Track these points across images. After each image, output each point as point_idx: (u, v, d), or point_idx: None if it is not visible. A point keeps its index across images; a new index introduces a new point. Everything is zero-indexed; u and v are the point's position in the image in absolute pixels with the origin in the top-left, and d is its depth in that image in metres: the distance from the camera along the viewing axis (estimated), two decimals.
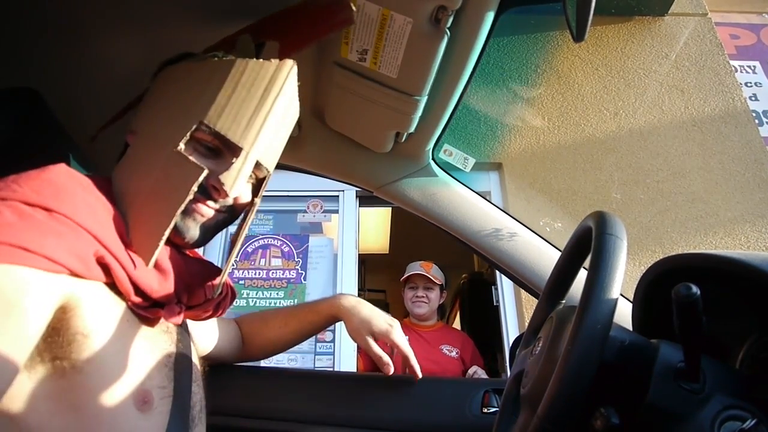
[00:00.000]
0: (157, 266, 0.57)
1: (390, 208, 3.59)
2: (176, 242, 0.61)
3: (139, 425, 0.52)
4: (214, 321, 0.91)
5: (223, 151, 0.60)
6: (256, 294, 2.53)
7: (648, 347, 0.49)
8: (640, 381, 0.46)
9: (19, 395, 0.45)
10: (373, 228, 4.27)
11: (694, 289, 0.40)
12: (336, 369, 2.37)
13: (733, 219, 2.51)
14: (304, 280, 2.58)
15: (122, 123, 0.89)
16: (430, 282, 2.28)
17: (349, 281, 2.58)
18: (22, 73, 0.85)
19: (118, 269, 0.51)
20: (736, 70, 3.10)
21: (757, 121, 2.91)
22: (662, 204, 2.55)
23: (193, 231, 0.61)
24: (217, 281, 0.68)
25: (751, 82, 3.21)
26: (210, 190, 0.60)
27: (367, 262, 4.24)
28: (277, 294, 2.54)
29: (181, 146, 0.57)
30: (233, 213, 0.66)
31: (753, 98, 3.12)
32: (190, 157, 0.57)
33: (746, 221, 2.51)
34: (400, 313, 2.43)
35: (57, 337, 0.47)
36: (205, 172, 0.56)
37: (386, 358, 0.86)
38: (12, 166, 0.70)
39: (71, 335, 0.48)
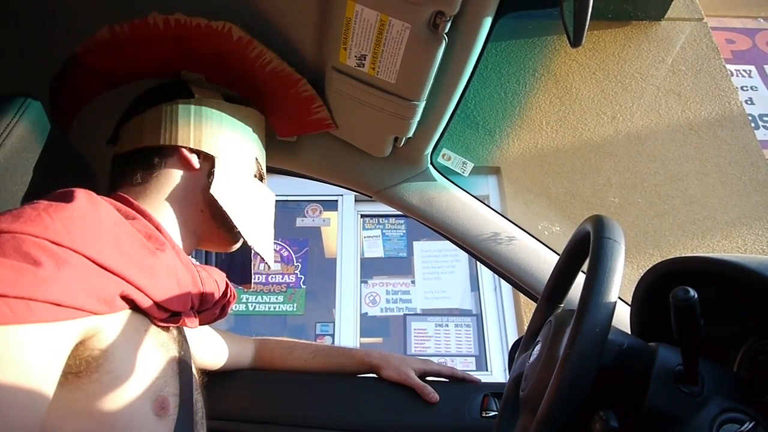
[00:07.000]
0: (175, 278, 0.59)
1: None
2: (224, 249, 0.78)
3: (156, 430, 0.53)
4: (221, 337, 0.93)
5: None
6: (256, 299, 2.53)
7: (646, 350, 0.49)
8: (639, 384, 0.47)
9: None
10: None
11: (692, 292, 0.41)
12: None
13: (730, 222, 2.52)
14: (304, 284, 2.58)
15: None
16: None
17: (348, 285, 2.58)
18: (22, 79, 0.85)
19: (142, 298, 0.53)
20: (732, 74, 3.11)
21: (753, 125, 2.92)
22: (660, 207, 2.56)
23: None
24: (222, 284, 0.71)
25: (747, 86, 3.22)
26: None
27: None
28: (277, 299, 2.53)
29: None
30: None
31: (749, 102, 3.14)
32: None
33: (743, 224, 2.51)
34: None
35: (76, 354, 0.48)
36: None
37: (429, 388, 0.93)
38: (13, 173, 0.70)
39: (90, 351, 0.49)
